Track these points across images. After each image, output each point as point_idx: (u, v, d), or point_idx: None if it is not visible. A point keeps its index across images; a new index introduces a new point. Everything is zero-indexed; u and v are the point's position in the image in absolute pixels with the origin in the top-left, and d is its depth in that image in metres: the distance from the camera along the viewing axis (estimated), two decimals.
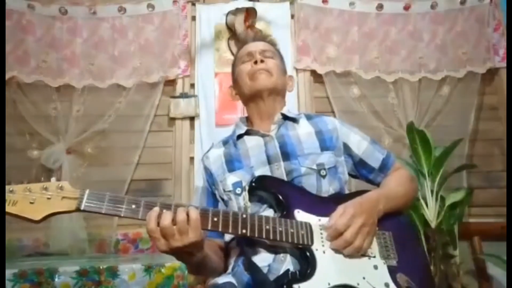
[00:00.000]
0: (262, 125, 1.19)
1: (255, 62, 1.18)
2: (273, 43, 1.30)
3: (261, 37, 1.31)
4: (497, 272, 2.21)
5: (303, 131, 1.17)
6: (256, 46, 1.23)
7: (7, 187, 0.81)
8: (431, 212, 2.17)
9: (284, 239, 0.92)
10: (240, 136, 1.18)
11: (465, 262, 2.29)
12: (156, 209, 0.85)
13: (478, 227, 2.39)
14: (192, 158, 2.57)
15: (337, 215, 0.96)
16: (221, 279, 1.03)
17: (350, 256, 0.94)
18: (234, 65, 1.29)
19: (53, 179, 0.84)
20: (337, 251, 0.94)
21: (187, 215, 0.84)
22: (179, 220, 0.83)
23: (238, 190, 1.07)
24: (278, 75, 1.20)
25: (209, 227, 0.89)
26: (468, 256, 2.32)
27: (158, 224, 0.83)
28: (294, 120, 1.19)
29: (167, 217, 0.83)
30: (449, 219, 2.22)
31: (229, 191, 1.09)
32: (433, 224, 2.15)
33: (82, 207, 0.83)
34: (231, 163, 1.14)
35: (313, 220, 0.98)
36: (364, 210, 0.97)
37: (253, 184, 1.02)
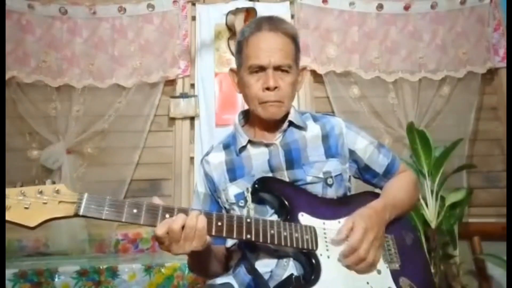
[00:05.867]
0: (265, 132, 1.12)
1: (267, 88, 1.03)
2: (291, 35, 1.07)
3: (278, 26, 1.06)
4: (497, 272, 2.21)
5: (310, 134, 1.11)
6: (269, 55, 1.02)
7: None
8: (431, 212, 2.16)
9: (288, 244, 0.91)
10: (242, 147, 1.10)
11: (465, 262, 2.29)
12: (172, 219, 0.83)
13: (478, 227, 2.39)
14: (192, 158, 2.57)
15: (347, 229, 0.93)
16: (220, 280, 1.03)
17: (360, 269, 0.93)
18: (240, 56, 1.10)
19: (48, 182, 0.79)
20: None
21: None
22: (188, 225, 0.82)
23: (241, 203, 1.04)
24: (290, 98, 1.07)
25: (213, 233, 0.86)
26: (468, 256, 2.32)
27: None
28: (301, 127, 1.12)
29: (178, 222, 0.82)
30: (449, 219, 2.22)
31: (232, 203, 1.06)
32: (433, 224, 2.15)
33: (80, 212, 0.79)
34: (233, 172, 1.09)
35: (317, 223, 0.97)
36: (374, 223, 0.95)
37: (256, 186, 1.00)
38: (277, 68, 1.04)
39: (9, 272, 1.75)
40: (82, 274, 1.81)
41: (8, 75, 2.44)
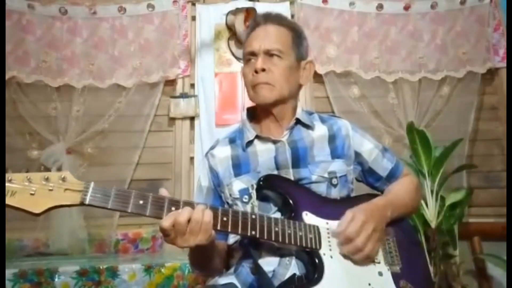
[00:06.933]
0: (272, 128, 1.12)
1: (256, 71, 1.06)
2: (286, 24, 1.12)
3: (274, 18, 1.11)
4: (497, 272, 2.22)
5: (317, 134, 1.12)
6: (261, 42, 1.07)
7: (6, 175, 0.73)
8: (431, 212, 2.17)
9: (292, 242, 0.91)
10: (249, 142, 1.10)
11: (465, 262, 2.29)
12: (178, 212, 0.82)
13: (478, 227, 2.39)
14: (192, 158, 2.57)
15: (347, 220, 0.93)
16: (222, 280, 1.03)
17: (357, 262, 0.94)
18: (244, 49, 1.14)
19: (53, 169, 0.79)
20: (345, 256, 0.93)
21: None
22: (194, 219, 0.82)
23: (245, 198, 1.03)
24: (283, 82, 1.07)
25: (219, 227, 0.86)
26: (468, 256, 2.32)
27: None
28: (308, 126, 1.12)
29: (184, 215, 0.81)
30: (449, 219, 2.22)
31: (236, 198, 1.06)
32: (433, 224, 2.15)
33: (86, 201, 0.78)
34: (238, 167, 1.08)
35: (321, 223, 0.97)
36: (374, 216, 0.96)
37: (261, 183, 1.00)
38: (267, 53, 1.07)
39: (9, 272, 1.74)
40: (82, 274, 1.80)
41: (8, 75, 2.44)
